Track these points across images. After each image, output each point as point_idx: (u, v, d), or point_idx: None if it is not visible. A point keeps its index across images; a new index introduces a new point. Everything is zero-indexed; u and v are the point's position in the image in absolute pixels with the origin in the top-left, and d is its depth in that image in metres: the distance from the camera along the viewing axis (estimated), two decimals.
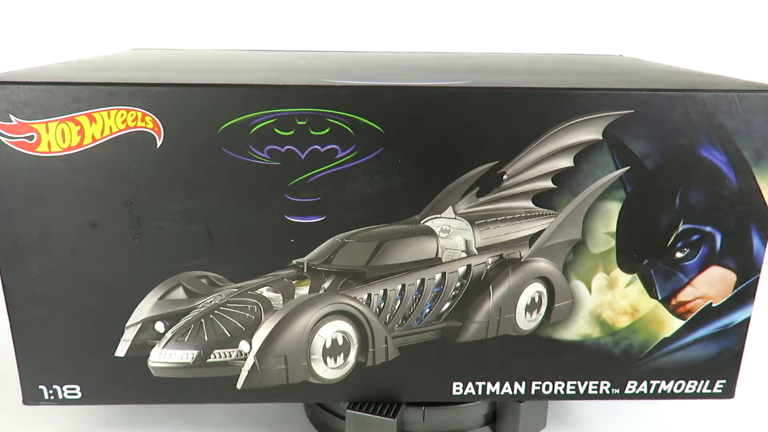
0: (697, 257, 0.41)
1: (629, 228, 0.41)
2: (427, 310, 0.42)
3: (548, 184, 0.40)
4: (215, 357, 0.42)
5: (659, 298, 0.42)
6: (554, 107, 0.38)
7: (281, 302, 0.41)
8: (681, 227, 0.41)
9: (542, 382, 0.44)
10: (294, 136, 0.38)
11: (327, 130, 0.38)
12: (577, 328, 0.43)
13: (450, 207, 0.40)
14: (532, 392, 0.44)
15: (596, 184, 0.40)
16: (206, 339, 0.42)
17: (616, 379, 0.44)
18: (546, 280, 0.42)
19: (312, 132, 0.38)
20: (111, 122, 0.37)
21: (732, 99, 0.38)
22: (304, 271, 0.41)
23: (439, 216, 0.40)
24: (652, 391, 0.45)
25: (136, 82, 0.37)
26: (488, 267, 0.42)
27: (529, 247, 0.41)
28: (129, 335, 0.41)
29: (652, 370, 0.44)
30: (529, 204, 0.40)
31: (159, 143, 0.37)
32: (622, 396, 0.45)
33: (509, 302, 0.42)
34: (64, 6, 0.75)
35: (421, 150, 0.38)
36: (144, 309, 0.41)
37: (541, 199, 0.40)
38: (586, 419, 0.51)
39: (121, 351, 0.41)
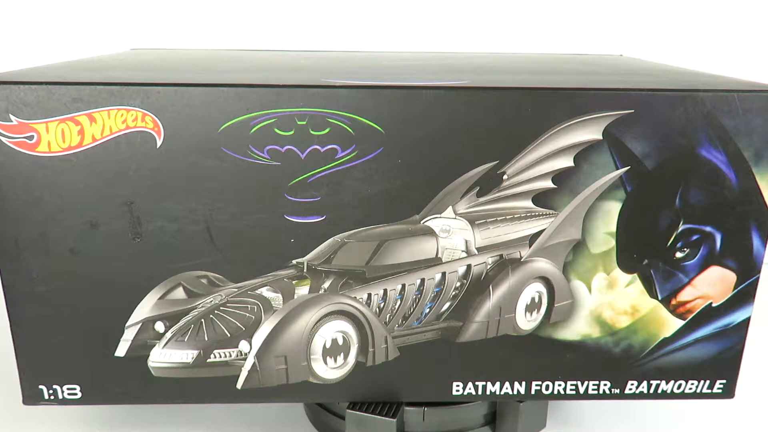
0: (697, 257, 0.41)
1: (629, 228, 0.41)
2: (427, 310, 0.42)
3: (548, 184, 0.40)
4: (215, 357, 0.42)
5: (659, 298, 0.42)
6: (554, 107, 0.38)
7: (281, 302, 0.41)
8: (681, 227, 0.41)
9: (542, 382, 0.44)
10: (294, 136, 0.38)
11: (327, 130, 0.38)
12: (577, 328, 0.43)
13: (450, 207, 0.40)
14: (532, 392, 0.44)
15: (596, 184, 0.40)
16: (206, 339, 0.42)
17: (616, 379, 0.44)
18: (546, 280, 0.42)
19: (312, 132, 0.38)
20: (111, 122, 0.37)
21: (732, 99, 0.38)
22: (304, 271, 0.41)
23: (439, 216, 0.40)
24: (652, 391, 0.45)
25: (136, 82, 0.37)
26: (488, 267, 0.42)
27: (529, 247, 0.41)
28: (129, 335, 0.41)
29: (652, 370, 0.44)
30: (529, 204, 0.40)
31: (159, 143, 0.37)
32: (622, 396, 0.45)
33: (509, 302, 0.42)
34: (64, 6, 0.75)
35: (421, 150, 0.38)
36: (144, 309, 0.41)
37: (541, 199, 0.40)
38: (586, 419, 0.51)
39: (121, 351, 0.41)
